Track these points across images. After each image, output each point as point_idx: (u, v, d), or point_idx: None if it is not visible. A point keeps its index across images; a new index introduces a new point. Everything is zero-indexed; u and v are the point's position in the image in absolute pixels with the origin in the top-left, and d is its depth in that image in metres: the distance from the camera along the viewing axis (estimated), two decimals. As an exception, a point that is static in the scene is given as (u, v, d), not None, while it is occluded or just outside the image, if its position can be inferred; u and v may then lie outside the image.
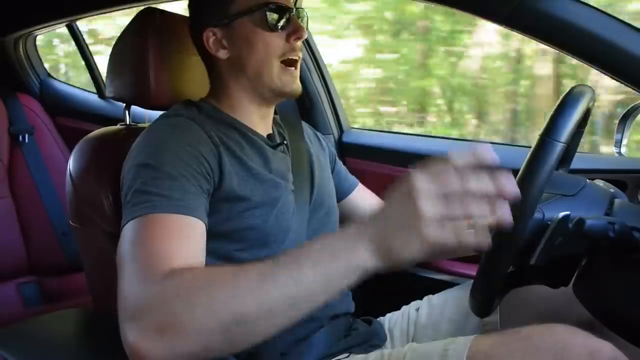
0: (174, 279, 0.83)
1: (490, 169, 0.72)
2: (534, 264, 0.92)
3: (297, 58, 1.19)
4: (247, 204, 1.10)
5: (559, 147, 0.89)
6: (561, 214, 0.92)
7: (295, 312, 0.80)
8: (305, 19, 1.25)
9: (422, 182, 0.73)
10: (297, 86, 1.21)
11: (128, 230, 0.95)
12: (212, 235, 1.03)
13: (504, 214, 0.72)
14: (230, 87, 1.22)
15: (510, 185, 0.72)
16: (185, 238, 0.93)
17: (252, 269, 0.81)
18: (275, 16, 1.15)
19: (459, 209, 0.71)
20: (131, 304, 0.82)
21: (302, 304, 0.80)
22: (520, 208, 0.86)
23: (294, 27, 1.18)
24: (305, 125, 1.47)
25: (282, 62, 1.18)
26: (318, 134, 1.50)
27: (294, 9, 1.20)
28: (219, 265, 0.86)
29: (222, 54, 1.19)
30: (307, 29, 1.25)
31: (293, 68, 1.19)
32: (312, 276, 0.78)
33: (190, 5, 1.26)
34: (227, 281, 0.81)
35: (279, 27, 1.16)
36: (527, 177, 0.88)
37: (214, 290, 0.80)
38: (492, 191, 0.72)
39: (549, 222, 0.93)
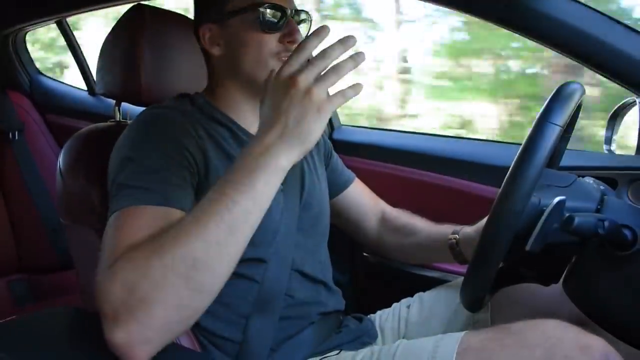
0: (119, 260, 0.83)
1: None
2: (529, 250, 0.91)
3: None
4: None
5: (556, 130, 0.90)
6: (557, 199, 0.92)
7: (240, 235, 0.83)
8: (309, 21, 1.23)
9: (293, 67, 0.82)
10: None
11: (108, 224, 0.95)
12: None
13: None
14: (225, 84, 1.21)
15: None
16: (155, 228, 0.91)
17: (187, 218, 0.84)
18: (271, 16, 1.13)
19: (322, 64, 0.81)
20: (100, 300, 0.82)
21: (241, 224, 0.83)
22: (517, 190, 0.88)
23: (289, 29, 1.15)
24: None
25: (276, 58, 1.15)
26: None
27: (293, 10, 1.17)
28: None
29: (217, 51, 1.19)
30: (309, 31, 1.23)
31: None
32: (240, 197, 0.81)
33: (194, 1, 1.25)
34: (168, 237, 0.82)
35: (274, 27, 1.14)
36: (525, 159, 0.89)
37: (161, 251, 0.80)
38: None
39: (545, 208, 0.93)
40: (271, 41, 1.14)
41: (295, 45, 1.15)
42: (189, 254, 0.80)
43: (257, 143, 0.83)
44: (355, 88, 0.84)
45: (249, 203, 0.82)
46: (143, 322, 0.79)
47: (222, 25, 1.17)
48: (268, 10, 1.13)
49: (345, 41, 0.82)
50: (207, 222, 0.81)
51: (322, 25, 0.84)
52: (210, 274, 0.82)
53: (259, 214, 0.84)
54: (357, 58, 0.82)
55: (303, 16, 1.21)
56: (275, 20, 1.14)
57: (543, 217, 0.91)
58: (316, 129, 0.81)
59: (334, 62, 0.82)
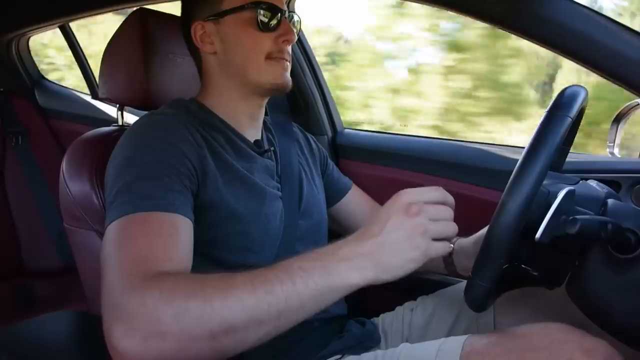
0: (155, 285, 0.81)
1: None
2: (538, 241, 0.91)
3: (285, 58, 1.18)
4: (230, 207, 1.09)
5: (567, 121, 0.91)
6: (566, 189, 0.92)
7: (285, 323, 0.82)
8: (298, 22, 1.25)
9: (417, 198, 0.86)
10: (287, 79, 1.19)
11: (110, 231, 0.93)
12: (200, 241, 1.01)
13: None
14: (218, 84, 1.21)
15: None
16: (167, 236, 0.91)
17: (243, 280, 0.81)
18: (266, 16, 1.15)
19: (444, 223, 0.87)
20: (113, 305, 0.81)
21: (292, 316, 0.82)
22: (529, 175, 0.88)
23: (284, 29, 1.17)
24: (296, 128, 1.46)
25: (268, 57, 1.17)
26: (310, 136, 1.49)
27: (286, 11, 1.19)
28: (203, 273, 0.85)
29: (209, 49, 1.19)
30: (298, 32, 1.24)
31: (286, 61, 1.18)
32: (305, 291, 0.80)
33: None
34: (217, 290, 0.80)
35: (269, 27, 1.15)
36: (535, 148, 0.89)
37: (203, 301, 0.79)
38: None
39: (553, 200, 0.92)
40: (266, 41, 1.16)
41: (289, 46, 1.17)
42: (229, 319, 0.78)
43: (349, 243, 0.84)
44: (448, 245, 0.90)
45: (310, 302, 0.82)
46: (151, 349, 0.77)
47: (217, 23, 1.17)
48: (265, 10, 1.14)
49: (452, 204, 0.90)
50: (261, 300, 0.79)
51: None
52: (238, 344, 0.81)
53: (308, 313, 0.83)
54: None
55: (295, 18, 1.23)
56: (271, 21, 1.15)
57: (554, 206, 0.90)
58: (404, 267, 0.85)
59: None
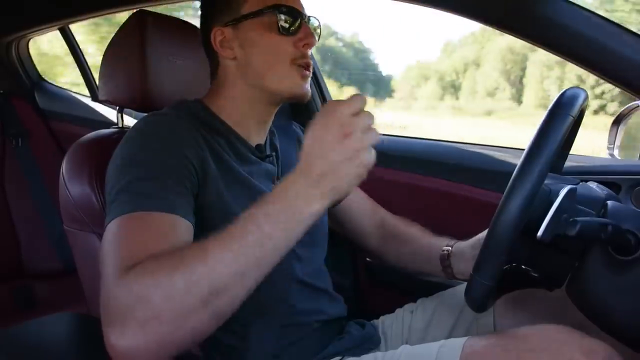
0: (138, 271, 0.81)
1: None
2: (539, 239, 0.91)
3: (308, 63, 1.16)
4: (231, 210, 1.09)
5: (568, 119, 0.91)
6: (567, 187, 0.92)
7: (265, 269, 0.85)
8: (318, 26, 1.23)
9: (346, 114, 0.85)
10: (306, 90, 1.17)
11: (109, 230, 0.93)
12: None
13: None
14: (233, 89, 1.19)
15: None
16: (164, 235, 0.91)
17: (216, 241, 0.83)
18: (287, 20, 1.13)
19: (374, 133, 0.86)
20: (107, 305, 0.81)
21: (269, 258, 0.84)
22: (531, 171, 0.88)
23: (304, 33, 1.15)
24: (297, 128, 1.46)
25: (295, 64, 1.15)
26: None
27: (307, 15, 1.18)
28: (180, 248, 0.86)
29: (229, 54, 1.17)
30: (319, 36, 1.23)
31: (307, 72, 1.16)
32: (275, 233, 0.83)
33: (202, 3, 1.24)
34: (195, 258, 0.81)
35: (289, 31, 1.14)
36: (537, 146, 0.89)
37: (185, 271, 0.80)
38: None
39: (555, 198, 0.93)
40: (287, 45, 1.14)
41: (310, 50, 1.16)
42: (214, 280, 0.80)
43: (298, 178, 0.85)
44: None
45: (282, 241, 0.84)
46: (151, 335, 0.77)
47: (236, 28, 1.15)
48: (285, 14, 1.13)
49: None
50: (237, 253, 0.81)
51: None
52: (230, 301, 0.82)
53: (284, 251, 0.85)
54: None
55: (315, 22, 1.21)
56: (292, 25, 1.14)
57: (555, 204, 0.90)
58: (354, 183, 0.86)
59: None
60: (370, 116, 0.86)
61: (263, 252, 0.82)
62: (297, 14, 1.14)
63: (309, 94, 1.18)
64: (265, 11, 1.13)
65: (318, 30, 1.23)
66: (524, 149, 0.92)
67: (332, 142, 0.83)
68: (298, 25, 1.15)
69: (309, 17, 1.19)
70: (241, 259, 0.81)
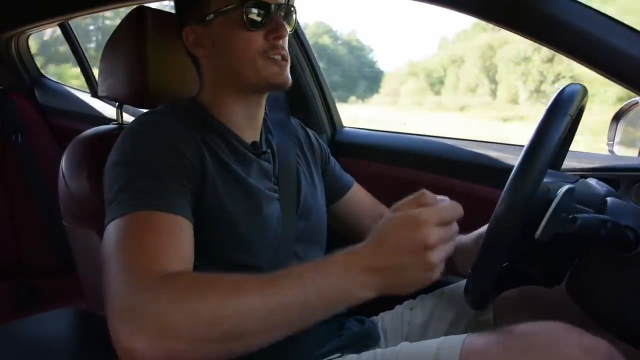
0: (166, 285, 0.82)
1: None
2: (538, 239, 0.91)
3: (279, 56, 1.15)
4: (227, 208, 1.09)
5: (567, 118, 0.91)
6: (566, 187, 0.92)
7: (292, 330, 0.83)
8: (292, 16, 1.21)
9: (426, 211, 0.82)
10: (286, 78, 1.16)
11: (112, 229, 0.93)
12: (199, 242, 1.00)
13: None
14: (214, 86, 1.20)
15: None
16: (172, 236, 0.91)
17: (255, 286, 0.82)
18: (254, 14, 1.12)
19: (447, 236, 0.83)
20: (122, 304, 0.81)
21: (300, 323, 0.83)
22: (530, 170, 0.88)
23: (274, 25, 1.13)
24: (296, 123, 1.45)
25: (268, 57, 1.14)
26: (310, 132, 1.47)
27: (276, 6, 1.15)
28: (210, 274, 0.85)
29: (202, 53, 1.18)
30: (294, 25, 1.22)
31: (279, 58, 1.15)
32: (316, 305, 0.82)
33: (175, 4, 1.24)
34: (229, 296, 0.80)
35: (258, 25, 1.12)
36: (536, 145, 0.89)
37: (217, 305, 0.79)
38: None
39: (554, 197, 0.93)
40: (257, 38, 1.13)
41: (281, 41, 1.15)
42: (240, 324, 0.79)
43: (362, 261, 0.83)
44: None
45: (320, 313, 0.84)
46: (162, 348, 0.77)
47: (206, 26, 1.15)
48: (252, 8, 1.12)
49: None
50: (272, 309, 0.80)
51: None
52: (248, 345, 0.82)
53: (318, 320, 0.85)
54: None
55: (287, 10, 1.20)
56: (260, 18, 1.12)
57: (554, 204, 0.90)
58: (413, 287, 0.83)
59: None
60: (456, 229, 0.85)
61: (298, 317, 0.82)
62: (264, 6, 1.13)
63: (289, 81, 1.17)
64: (232, 7, 1.12)
65: (293, 17, 1.22)
66: (523, 145, 0.92)
67: (409, 245, 0.81)
68: (267, 17, 1.13)
69: (280, 5, 1.17)
70: (276, 317, 0.81)
